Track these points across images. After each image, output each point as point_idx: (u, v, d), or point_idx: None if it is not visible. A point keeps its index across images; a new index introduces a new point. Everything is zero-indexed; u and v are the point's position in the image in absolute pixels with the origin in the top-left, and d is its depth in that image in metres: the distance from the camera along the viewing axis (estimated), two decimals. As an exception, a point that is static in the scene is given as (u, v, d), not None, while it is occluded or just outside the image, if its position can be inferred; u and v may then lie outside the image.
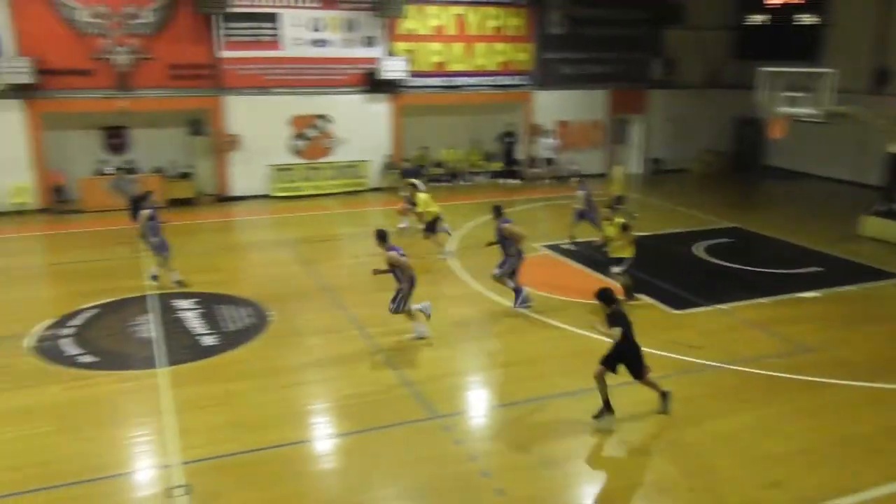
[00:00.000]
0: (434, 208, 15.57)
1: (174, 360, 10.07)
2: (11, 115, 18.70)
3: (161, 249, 13.14)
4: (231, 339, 10.84)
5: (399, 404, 8.89)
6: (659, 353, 10.14)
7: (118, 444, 8.09)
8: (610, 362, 8.33)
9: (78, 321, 11.52)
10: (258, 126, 21.07)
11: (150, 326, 11.30)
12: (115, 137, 20.62)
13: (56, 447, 7.91)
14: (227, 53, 20.41)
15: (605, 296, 8.48)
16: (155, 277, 13.14)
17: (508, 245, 11.89)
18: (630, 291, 12.25)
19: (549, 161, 24.54)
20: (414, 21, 22.28)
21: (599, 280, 13.72)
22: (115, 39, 19.33)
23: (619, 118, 25.99)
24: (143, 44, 19.59)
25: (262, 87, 20.98)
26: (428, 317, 10.94)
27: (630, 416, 8.50)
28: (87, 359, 10.13)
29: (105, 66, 19.37)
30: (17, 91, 18.47)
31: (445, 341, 10.93)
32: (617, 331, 8.14)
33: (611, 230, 12.32)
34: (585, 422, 8.36)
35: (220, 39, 20.27)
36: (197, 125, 21.10)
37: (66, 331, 11.11)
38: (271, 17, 20.69)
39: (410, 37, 22.42)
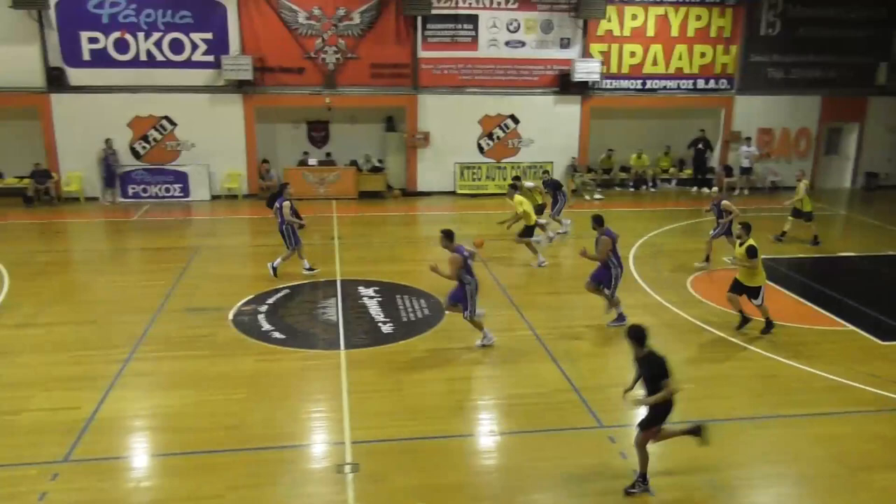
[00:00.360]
0: (531, 213, 14.72)
1: (354, 344, 10.60)
2: (232, 108, 20.68)
3: (294, 241, 13.55)
4: (407, 329, 11.22)
5: (565, 409, 8.73)
6: (856, 385, 9.18)
7: (299, 416, 8.65)
8: (661, 420, 6.98)
9: (272, 300, 12.48)
10: (448, 124, 21.67)
11: (335, 310, 11.99)
12: (318, 131, 22.17)
13: (246, 413, 8.61)
14: (425, 53, 21.17)
15: (636, 334, 6.95)
16: (308, 271, 13.60)
17: (612, 255, 11.27)
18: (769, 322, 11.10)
19: (746, 170, 22.97)
20: (612, 22, 21.79)
21: (793, 300, 12.69)
22: (326, 40, 20.74)
23: (831, 127, 23.78)
24: (350, 44, 20.86)
25: (455, 86, 21.54)
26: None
27: (814, 450, 7.73)
28: (278, 335, 10.94)
29: (314, 64, 20.85)
30: (238, 86, 20.39)
31: (618, 350, 10.58)
32: (670, 390, 6.74)
33: (738, 251, 11.12)
34: (764, 450, 7.74)
35: (420, 40, 21.07)
36: (391, 122, 22.11)
37: (262, 307, 12.08)
38: (471, 19, 21.16)
39: (607, 38, 21.95)
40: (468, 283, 10.23)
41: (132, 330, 10.99)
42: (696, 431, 7.25)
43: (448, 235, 10.33)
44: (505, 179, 21.35)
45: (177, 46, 20.27)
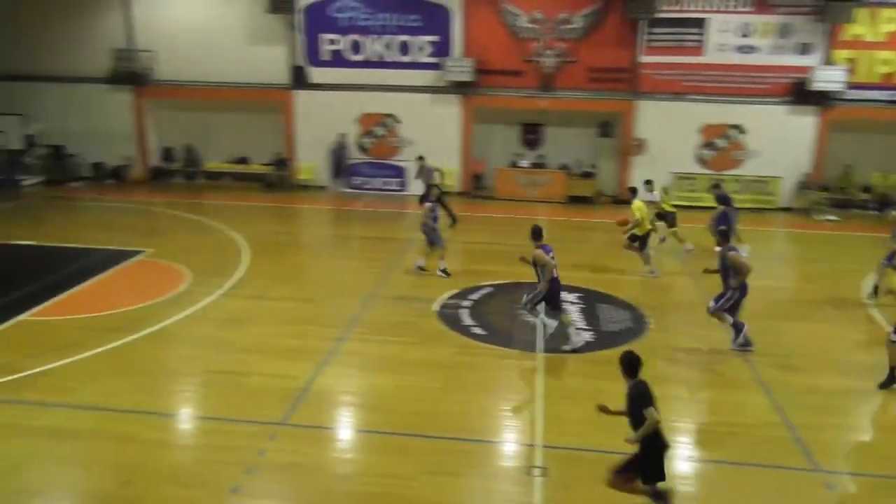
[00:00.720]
0: (646, 222, 13.99)
1: (551, 349, 10.56)
2: (451, 108, 21.47)
3: (436, 241, 13.87)
4: (607, 339, 10.97)
5: (775, 444, 8.06)
6: None
7: (491, 413, 8.80)
8: (652, 470, 6.22)
9: (476, 296, 12.78)
10: (666, 132, 20.87)
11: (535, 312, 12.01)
12: (532, 133, 22.35)
13: (441, 402, 8.90)
14: (646, 58, 20.56)
15: (627, 361, 6.25)
16: (421, 268, 13.92)
17: (730, 277, 10.25)
18: None
19: None
20: (862, 26, 19.73)
21: None
22: (545, 43, 20.85)
23: None
24: (569, 47, 20.79)
25: (676, 92, 20.70)
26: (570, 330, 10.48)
27: None
28: (478, 331, 11.18)
29: (533, 67, 21.04)
30: (458, 87, 21.11)
31: (843, 386, 9.58)
32: (653, 417, 6.01)
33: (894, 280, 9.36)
34: None
35: (642, 44, 20.48)
36: (606, 127, 21.73)
37: (465, 302, 12.41)
38: (698, 23, 20.21)
39: (855, 44, 19.92)
40: (545, 284, 10.20)
41: (346, 312, 11.79)
42: (664, 498, 6.40)
43: (535, 234, 10.31)
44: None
45: (404, 48, 21.42)
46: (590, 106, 21.13)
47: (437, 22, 21.15)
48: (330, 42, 21.66)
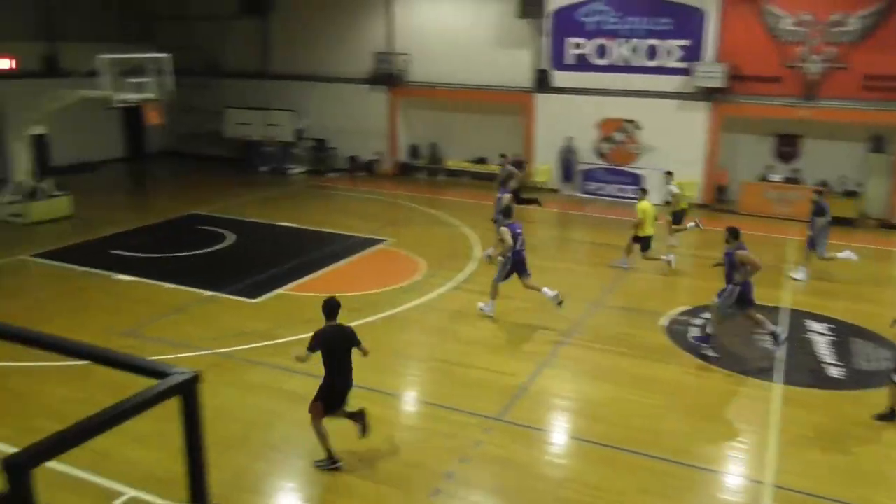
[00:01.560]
0: (648, 224, 14.01)
1: (792, 380, 9.65)
2: (697, 115, 20.38)
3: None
4: (859, 378, 9.80)
5: None
6: None
7: (716, 440, 8.24)
8: (322, 397, 7.20)
9: (709, 314, 11.99)
10: (956, 149, 18.09)
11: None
12: (788, 145, 20.52)
13: (660, 421, 8.50)
14: (937, 64, 17.99)
15: (327, 305, 7.29)
16: (489, 257, 14.39)
17: (735, 273, 10.05)
18: None
19: None
20: None
21: None
22: (812, 48, 19.03)
23: None
24: (840, 52, 18.78)
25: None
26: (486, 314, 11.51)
27: None
28: (709, 352, 10.49)
29: (794, 73, 19.31)
30: (707, 94, 19.98)
31: None
32: (304, 353, 7.12)
33: None
34: None
35: (933, 48, 17.95)
36: (879, 141, 19.33)
37: (696, 320, 11.73)
38: None
39: None
40: (507, 258, 11.28)
41: (570, 316, 11.69)
42: (359, 417, 7.35)
43: (506, 211, 11.87)
44: None
45: (652, 52, 20.73)
46: (861, 117, 18.92)
47: (689, 25, 20.19)
48: (576, 46, 21.58)
